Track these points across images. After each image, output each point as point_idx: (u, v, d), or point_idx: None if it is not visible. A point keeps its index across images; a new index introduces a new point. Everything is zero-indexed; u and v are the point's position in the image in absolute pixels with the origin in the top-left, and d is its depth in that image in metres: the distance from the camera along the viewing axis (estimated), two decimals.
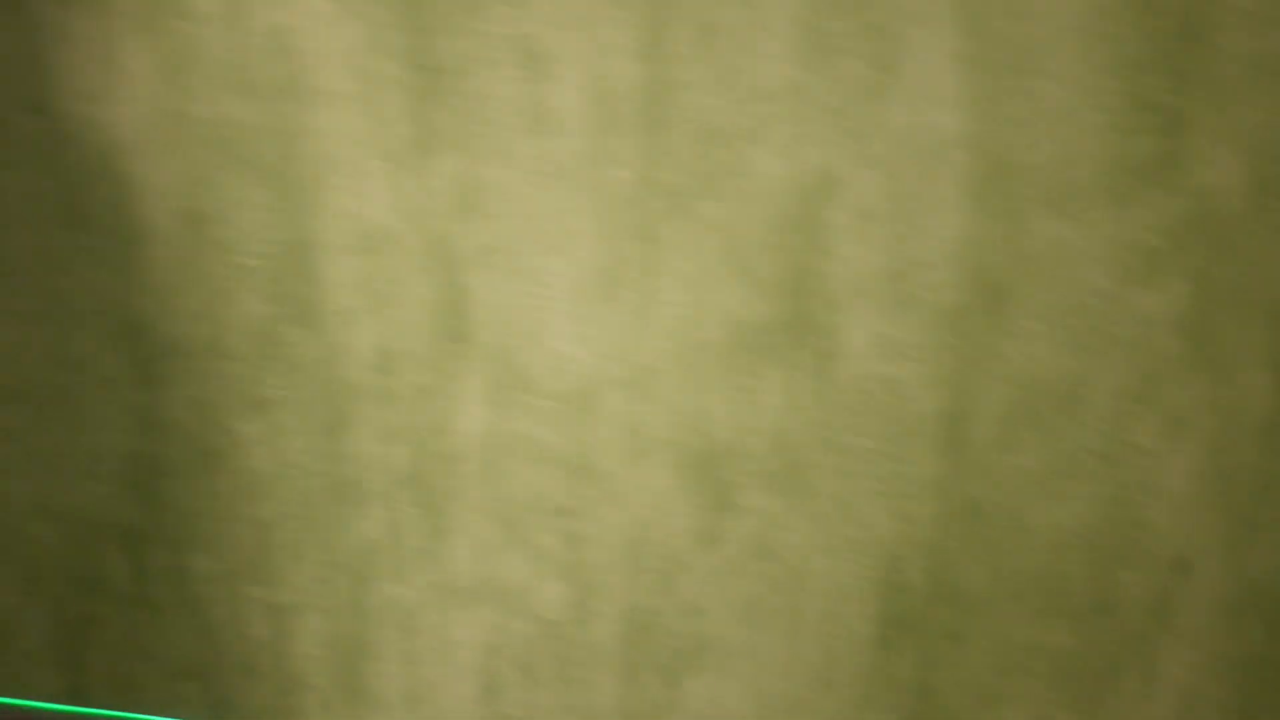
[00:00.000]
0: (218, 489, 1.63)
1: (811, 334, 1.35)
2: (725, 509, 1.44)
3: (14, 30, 1.38)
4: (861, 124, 1.27)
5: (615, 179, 1.30)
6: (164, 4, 1.32)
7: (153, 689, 1.83)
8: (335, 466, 1.57)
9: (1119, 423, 1.33)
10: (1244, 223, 1.24)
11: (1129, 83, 1.24)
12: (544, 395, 1.44)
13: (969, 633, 1.42)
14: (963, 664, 1.43)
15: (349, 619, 1.68)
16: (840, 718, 1.48)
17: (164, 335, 1.53)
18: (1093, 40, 1.23)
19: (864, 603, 1.44)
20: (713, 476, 1.43)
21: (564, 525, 1.52)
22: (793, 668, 1.48)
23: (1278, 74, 1.19)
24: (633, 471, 1.47)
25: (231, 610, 1.72)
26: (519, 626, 1.59)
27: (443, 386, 1.47)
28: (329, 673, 1.70)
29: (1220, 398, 1.30)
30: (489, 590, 1.60)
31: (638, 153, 1.29)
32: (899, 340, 1.34)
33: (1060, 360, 1.32)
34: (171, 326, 1.52)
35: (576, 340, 1.40)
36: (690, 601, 1.49)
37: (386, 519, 1.58)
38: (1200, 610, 1.36)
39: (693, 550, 1.49)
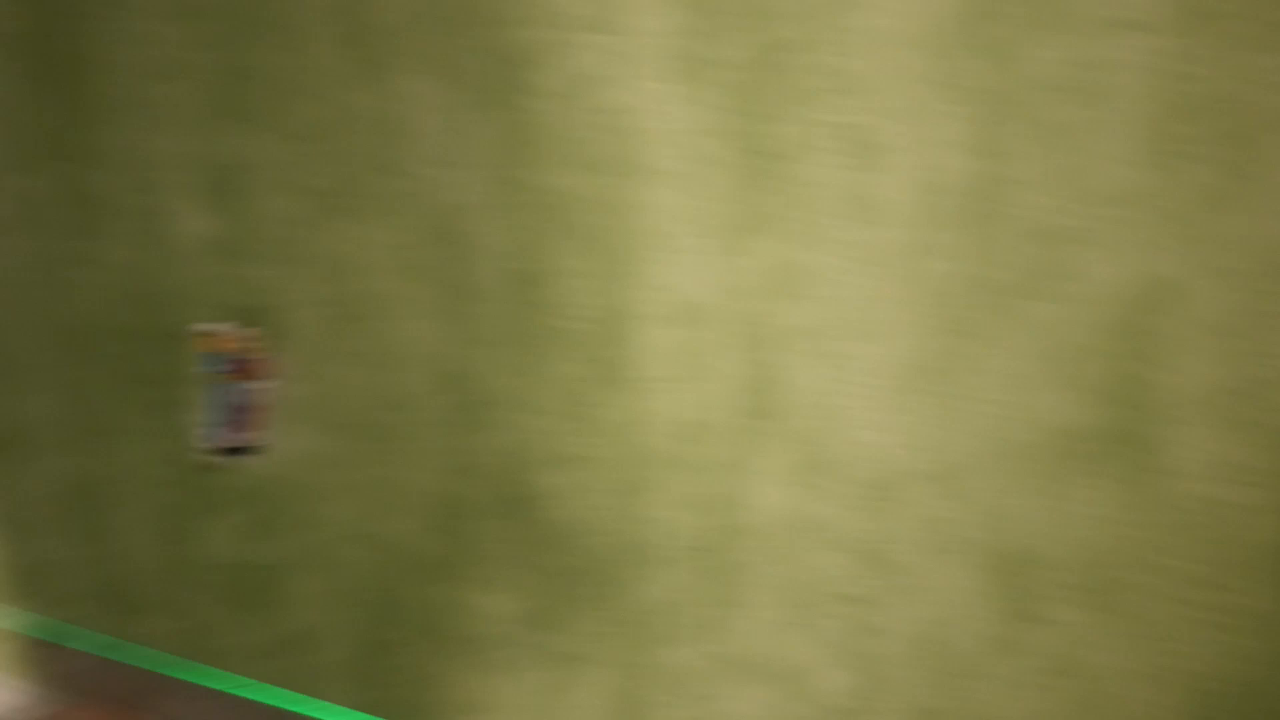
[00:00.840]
0: (517, 536, 1.69)
1: (1136, 447, 1.27)
2: (1028, 618, 1.38)
3: (374, 97, 1.50)
4: (1207, 232, 1.19)
5: (937, 271, 1.27)
6: (512, 81, 1.40)
7: (442, 715, 1.92)
8: (630, 527, 1.60)
9: None
10: None
11: None
12: (844, 480, 1.42)
13: None
14: None
15: (627, 677, 1.70)
16: None
17: (483, 387, 1.61)
18: None
19: None
20: (1017, 583, 1.37)
21: (853, 613, 1.49)
22: None
23: None
24: (931, 567, 1.42)
25: (513, 653, 1.78)
26: (795, 709, 1.57)
27: (742, 461, 1.48)
28: None
29: None
30: (769, 668, 1.58)
31: (962, 247, 1.25)
32: (1235, 462, 1.24)
33: None
34: (491, 379, 1.60)
35: (883, 429, 1.37)
36: (981, 710, 1.43)
37: (674, 584, 1.60)
38: None
39: (989, 657, 1.43)
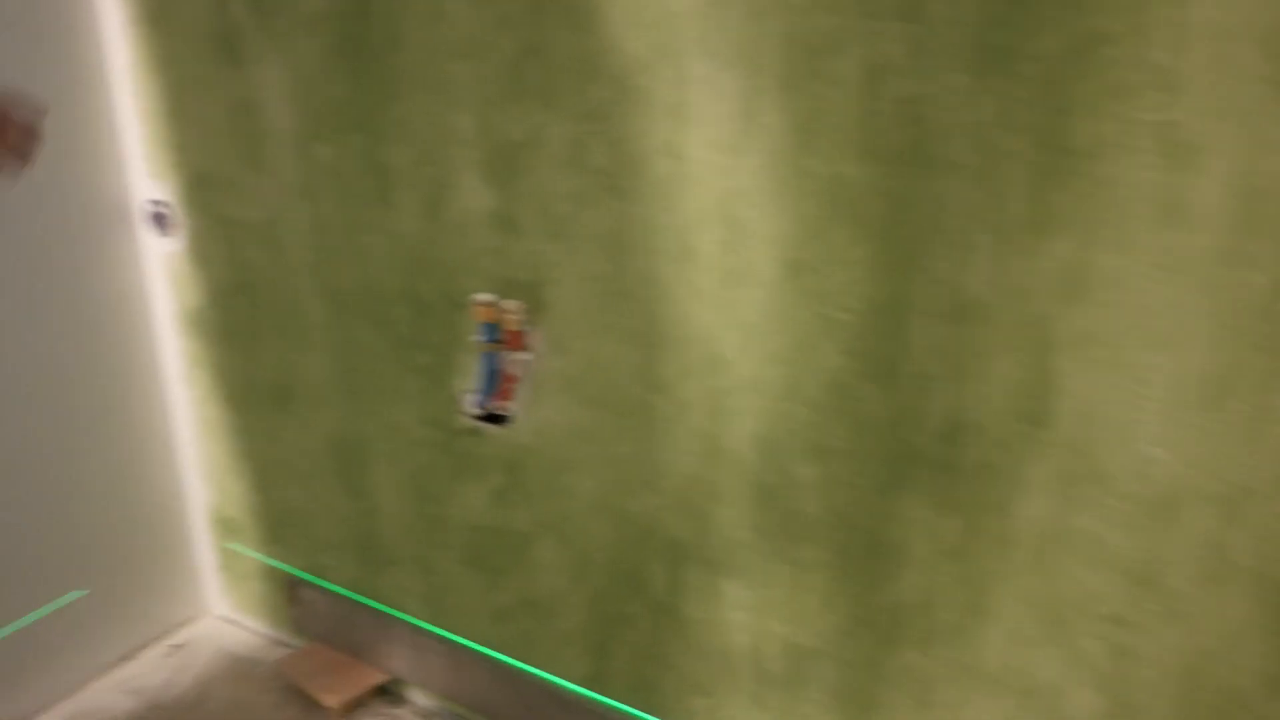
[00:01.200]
0: (764, 524, 1.70)
1: None
2: None
3: (663, 80, 1.53)
4: None
5: (1248, 282, 1.20)
6: (806, 67, 1.40)
7: (665, 695, 1.94)
8: (881, 525, 1.58)
9: None
10: None
11: None
12: (1120, 496, 1.37)
13: None
14: None
15: (864, 675, 1.68)
16: None
17: (741, 372, 1.62)
18: None
19: None
20: None
21: (1114, 635, 1.44)
22: None
23: None
24: (1206, 595, 1.35)
25: (753, 640, 1.79)
26: None
27: (1010, 468, 1.44)
28: None
29: None
30: (1016, 682, 1.54)
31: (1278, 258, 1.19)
32: None
33: None
34: (750, 365, 1.61)
35: (1168, 445, 1.31)
36: None
37: (923, 586, 1.57)
38: None
39: (1261, 697, 1.35)
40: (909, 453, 1.52)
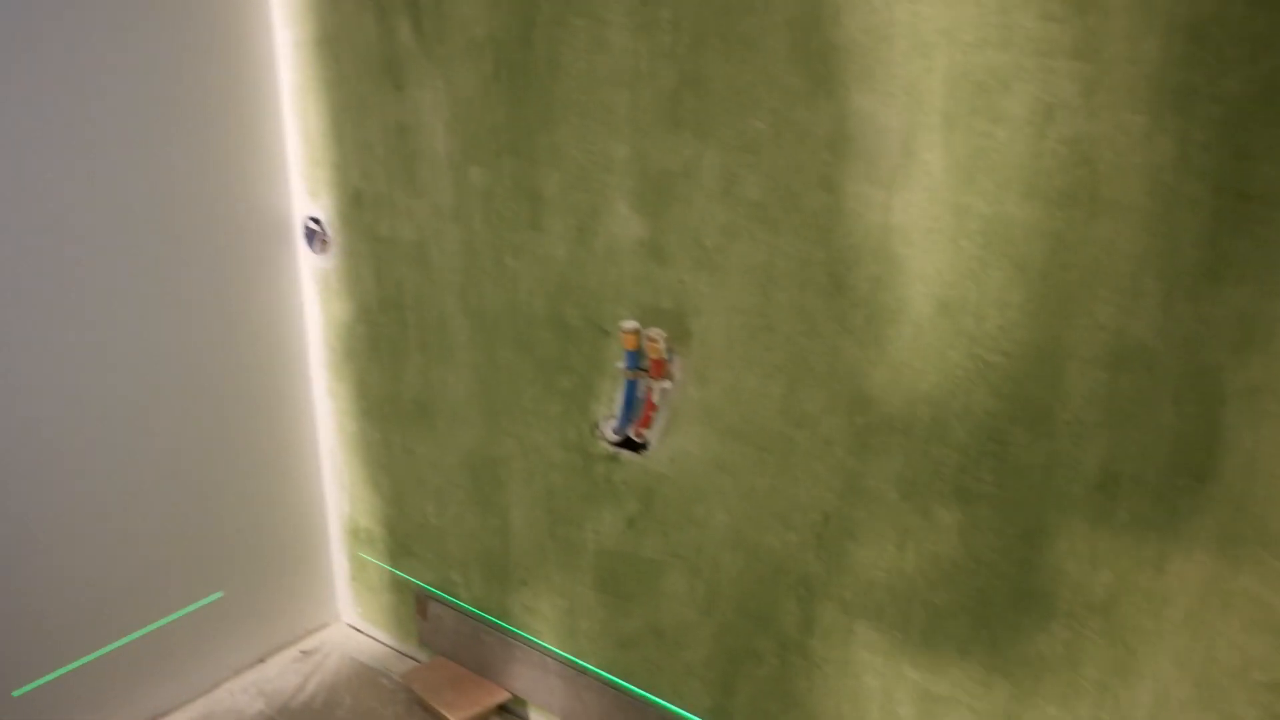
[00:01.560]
0: (902, 566, 1.67)
1: None
2: None
3: (822, 113, 1.52)
4: None
5: None
6: (971, 104, 1.38)
7: None
8: (1025, 574, 1.54)
9: None
10: None
11: None
12: None
13: None
14: None
15: None
16: None
17: (888, 410, 1.60)
18: None
19: None
20: None
21: (1275, 704, 1.37)
22: None
23: None
24: None
25: (884, 683, 1.75)
26: None
27: (1168, 522, 1.39)
28: None
29: None
30: None
31: None
32: None
33: None
34: (897, 404, 1.59)
35: None
36: None
37: (1068, 640, 1.52)
38: None
39: None
40: (1060, 501, 1.48)
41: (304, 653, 2.62)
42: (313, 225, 2.34)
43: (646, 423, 1.90)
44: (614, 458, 1.99)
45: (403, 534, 2.50)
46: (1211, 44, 1.20)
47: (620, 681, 2.16)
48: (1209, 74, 1.21)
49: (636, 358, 1.85)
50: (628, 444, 1.95)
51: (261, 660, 2.58)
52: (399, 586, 2.56)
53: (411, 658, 2.59)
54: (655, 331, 1.81)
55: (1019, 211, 1.38)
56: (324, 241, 2.33)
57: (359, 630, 2.72)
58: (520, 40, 1.82)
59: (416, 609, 2.52)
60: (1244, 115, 1.20)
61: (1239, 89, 1.20)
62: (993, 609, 1.59)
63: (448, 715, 2.30)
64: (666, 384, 1.84)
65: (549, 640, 2.27)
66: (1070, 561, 1.49)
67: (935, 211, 1.46)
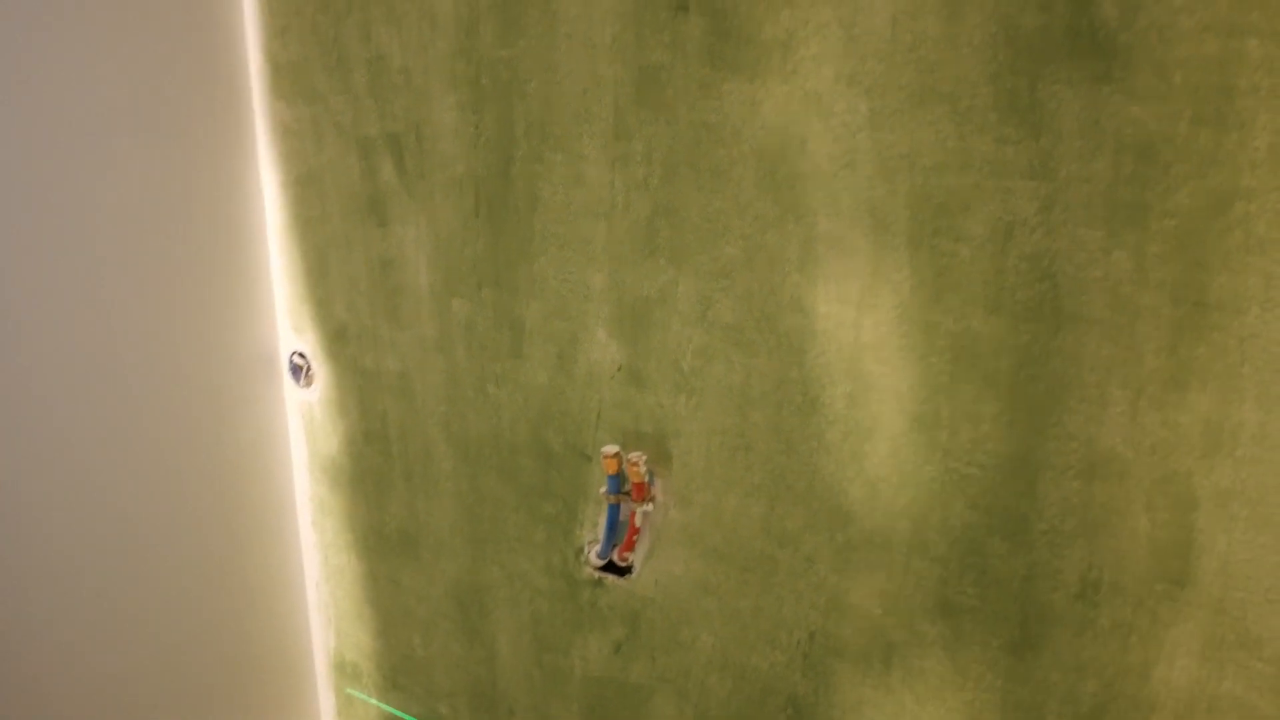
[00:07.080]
0: (889, 682, 1.66)
1: None
2: None
3: (790, 237, 1.57)
4: None
5: None
6: (937, 226, 1.43)
7: None
8: (1012, 685, 1.54)
9: None
10: None
11: None
12: (1270, 660, 1.31)
13: None
14: None
15: None
16: None
17: (868, 525, 1.62)
18: None
19: None
20: None
21: None
22: None
23: None
24: None
25: None
26: None
27: (1148, 629, 1.40)
28: None
29: None
30: None
31: None
32: None
33: None
34: (877, 519, 1.60)
35: None
36: None
37: None
38: None
39: None
40: (1042, 611, 1.48)
41: None
42: (298, 360, 2.37)
43: (630, 546, 1.90)
44: (599, 583, 1.99)
45: (389, 667, 2.47)
46: (1160, 161, 1.26)
47: None
48: (1159, 190, 1.26)
49: (618, 482, 1.87)
50: (612, 568, 1.95)
51: None
52: None
53: None
54: (636, 455, 1.83)
55: (985, 327, 1.42)
56: (309, 375, 2.36)
57: None
58: (499, 176, 1.88)
59: None
60: (1197, 228, 1.25)
61: (1189, 202, 1.25)
62: None
63: None
64: (648, 507, 1.85)
65: None
66: (1056, 672, 1.49)
67: (904, 329, 1.49)
